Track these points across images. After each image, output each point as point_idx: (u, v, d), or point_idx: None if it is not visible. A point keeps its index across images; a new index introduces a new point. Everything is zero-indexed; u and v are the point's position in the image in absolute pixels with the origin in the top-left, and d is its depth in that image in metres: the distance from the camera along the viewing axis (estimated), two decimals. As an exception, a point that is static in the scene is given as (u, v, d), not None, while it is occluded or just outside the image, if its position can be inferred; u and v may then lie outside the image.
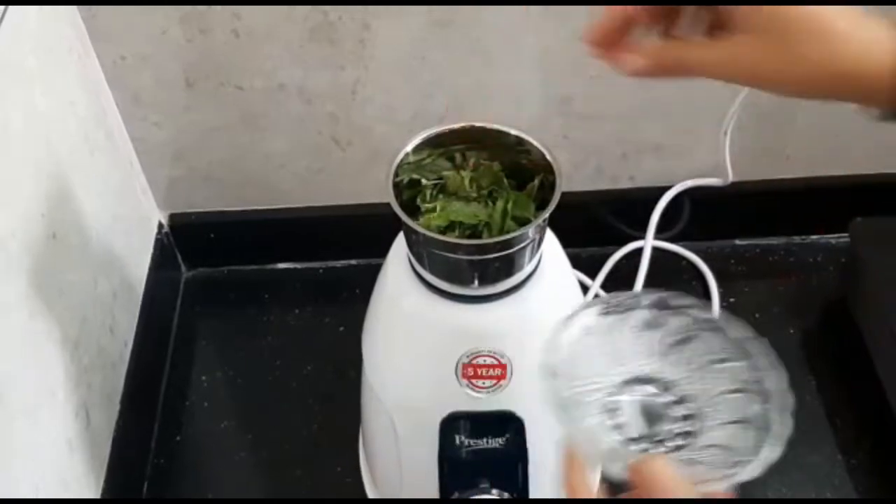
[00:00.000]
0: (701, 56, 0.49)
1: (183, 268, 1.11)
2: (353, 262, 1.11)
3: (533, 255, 0.66)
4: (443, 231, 0.65)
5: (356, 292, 1.06)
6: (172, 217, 1.06)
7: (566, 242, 0.72)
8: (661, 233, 1.07)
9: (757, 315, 1.04)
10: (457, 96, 0.94)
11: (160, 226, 1.05)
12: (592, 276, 1.06)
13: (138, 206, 1.00)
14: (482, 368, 0.67)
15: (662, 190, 1.03)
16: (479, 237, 0.66)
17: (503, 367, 0.67)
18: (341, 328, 1.04)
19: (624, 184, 1.05)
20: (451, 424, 0.70)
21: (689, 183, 1.03)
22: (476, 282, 0.65)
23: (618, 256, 1.08)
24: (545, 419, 0.71)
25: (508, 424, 0.70)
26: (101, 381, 0.85)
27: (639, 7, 0.49)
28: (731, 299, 1.05)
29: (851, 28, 0.46)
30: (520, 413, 0.70)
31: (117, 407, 0.88)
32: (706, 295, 1.06)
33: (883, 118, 0.49)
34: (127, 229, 0.96)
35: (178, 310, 1.07)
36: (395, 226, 0.68)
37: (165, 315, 1.05)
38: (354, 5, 0.85)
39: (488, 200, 0.67)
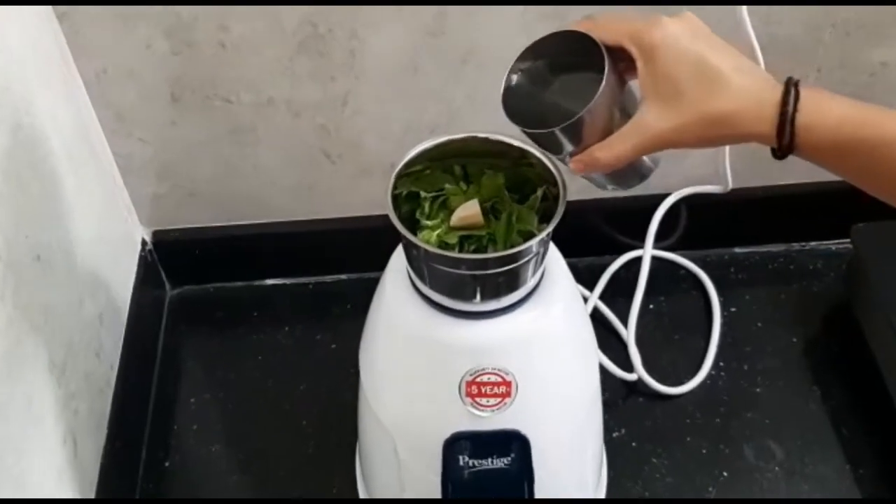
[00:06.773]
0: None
1: (167, 286, 1.10)
2: (344, 276, 1.11)
3: (536, 269, 0.66)
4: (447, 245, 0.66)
5: (347, 307, 1.07)
6: (156, 234, 1.05)
7: (563, 253, 0.73)
8: (659, 241, 1.07)
9: (759, 324, 1.05)
10: (450, 107, 0.94)
11: (143, 243, 1.04)
12: (591, 286, 1.06)
13: (122, 223, 1.00)
14: (486, 386, 0.67)
15: (660, 198, 1.03)
16: (483, 252, 0.66)
17: (507, 384, 0.67)
18: (333, 345, 1.04)
19: (620, 192, 1.05)
20: (455, 445, 0.70)
21: (688, 190, 1.03)
22: (478, 297, 0.65)
23: (616, 266, 1.09)
24: (552, 437, 0.72)
25: (514, 444, 0.70)
26: (89, 407, 0.85)
27: None
28: (733, 308, 1.06)
29: (731, 72, 0.53)
30: (525, 432, 0.70)
31: (105, 432, 0.88)
32: (706, 304, 1.07)
33: (774, 155, 0.55)
34: (112, 248, 0.95)
35: (164, 330, 1.07)
36: (386, 239, 0.68)
37: (150, 335, 1.05)
38: (344, 5, 0.84)
39: (490, 214, 0.67)
